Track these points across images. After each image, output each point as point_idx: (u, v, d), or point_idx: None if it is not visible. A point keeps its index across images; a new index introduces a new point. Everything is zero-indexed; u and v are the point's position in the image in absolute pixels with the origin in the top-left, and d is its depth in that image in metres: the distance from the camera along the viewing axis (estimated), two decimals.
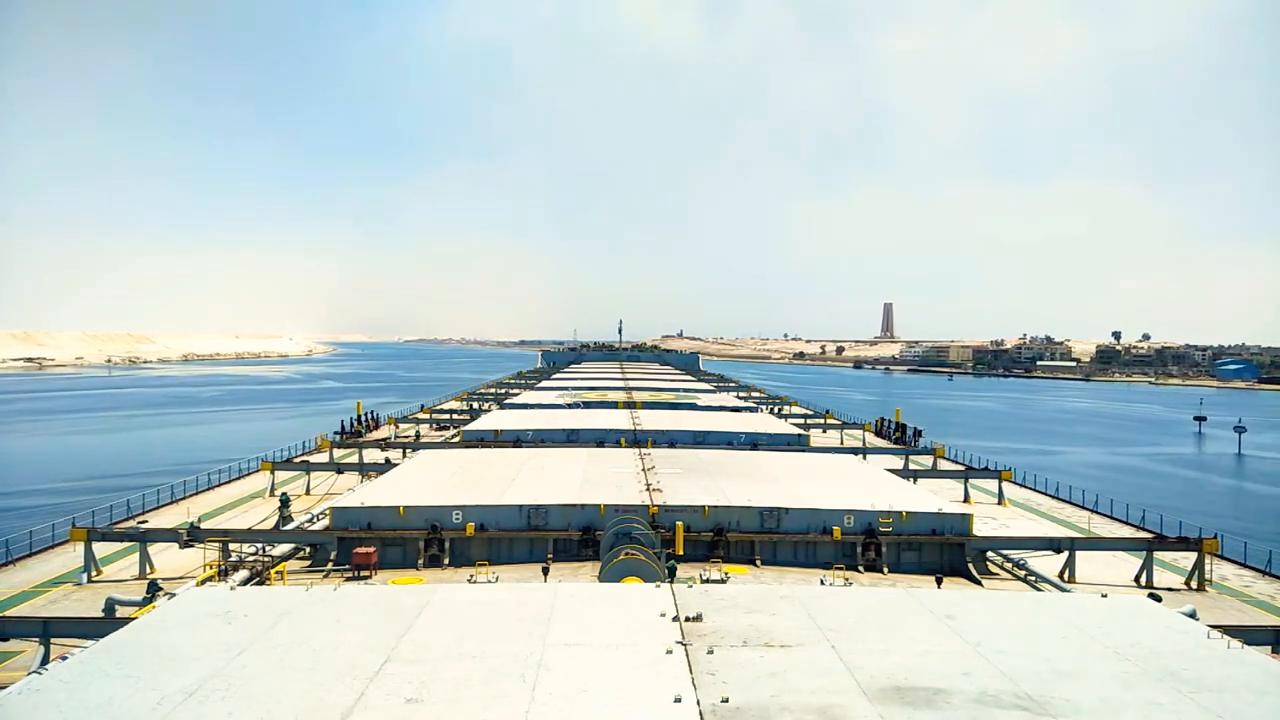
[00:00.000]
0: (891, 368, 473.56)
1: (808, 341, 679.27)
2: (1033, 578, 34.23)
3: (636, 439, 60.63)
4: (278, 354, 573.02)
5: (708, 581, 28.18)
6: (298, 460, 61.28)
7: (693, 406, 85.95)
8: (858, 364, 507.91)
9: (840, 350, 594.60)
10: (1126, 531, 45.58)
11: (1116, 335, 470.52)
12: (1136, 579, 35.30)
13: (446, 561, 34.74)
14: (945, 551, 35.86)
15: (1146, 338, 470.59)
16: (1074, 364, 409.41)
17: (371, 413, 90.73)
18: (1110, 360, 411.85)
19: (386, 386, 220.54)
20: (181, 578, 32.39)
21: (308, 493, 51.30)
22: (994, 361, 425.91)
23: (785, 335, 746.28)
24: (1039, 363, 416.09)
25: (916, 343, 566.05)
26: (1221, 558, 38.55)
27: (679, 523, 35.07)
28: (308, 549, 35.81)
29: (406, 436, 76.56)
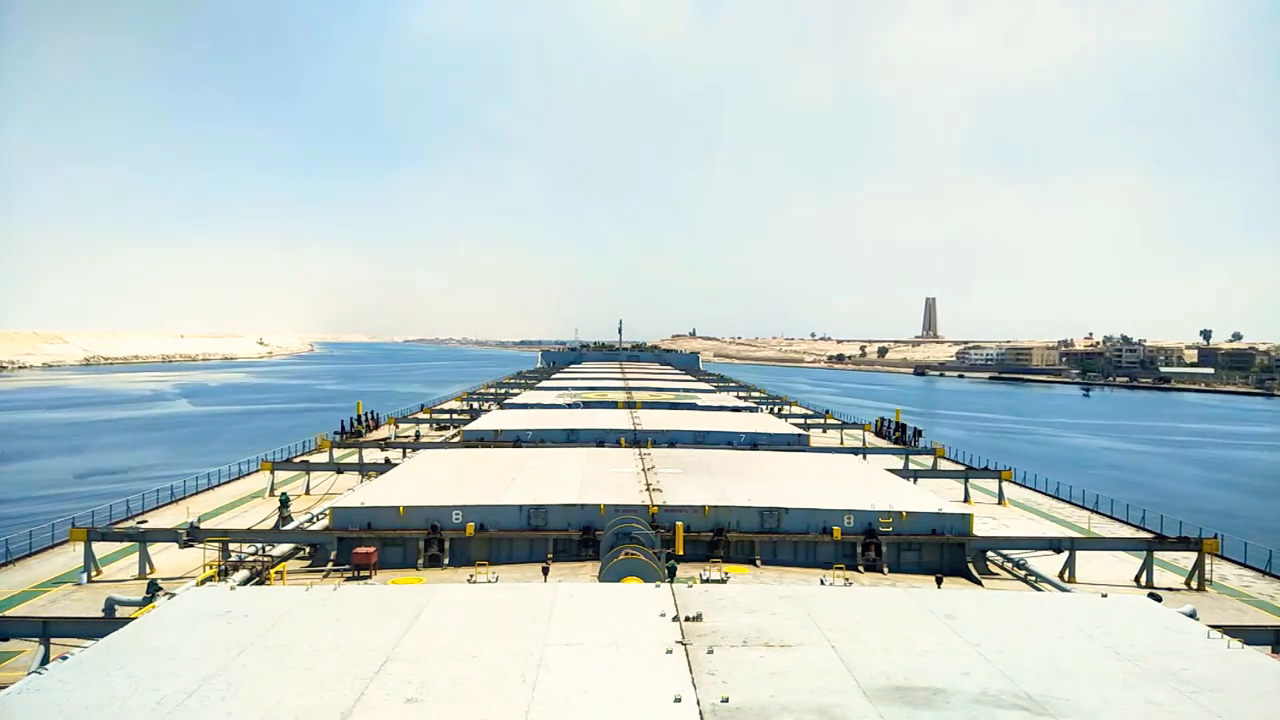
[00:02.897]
0: (966, 374, 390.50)
1: (840, 341, 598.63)
2: (1033, 578, 34.23)
3: (636, 439, 60.64)
4: (221, 356, 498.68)
5: (708, 581, 28.18)
6: (297, 460, 61.28)
7: (693, 406, 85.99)
8: (918, 369, 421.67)
9: (883, 352, 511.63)
10: (1126, 531, 45.57)
11: (1206, 334, 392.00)
12: (1136, 579, 35.30)
13: (446, 561, 34.74)
14: (945, 551, 35.86)
15: (1238, 337, 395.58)
16: (1210, 372, 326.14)
17: (371, 412, 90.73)
18: (1244, 365, 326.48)
19: (265, 414, 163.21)
20: (181, 578, 32.39)
21: (307, 493, 51.30)
22: (1107, 368, 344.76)
23: (813, 334, 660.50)
24: (1161, 369, 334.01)
25: (967, 343, 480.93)
26: (1221, 558, 38.55)
27: (679, 523, 35.08)
28: (308, 549, 35.81)
29: (406, 436, 76.61)
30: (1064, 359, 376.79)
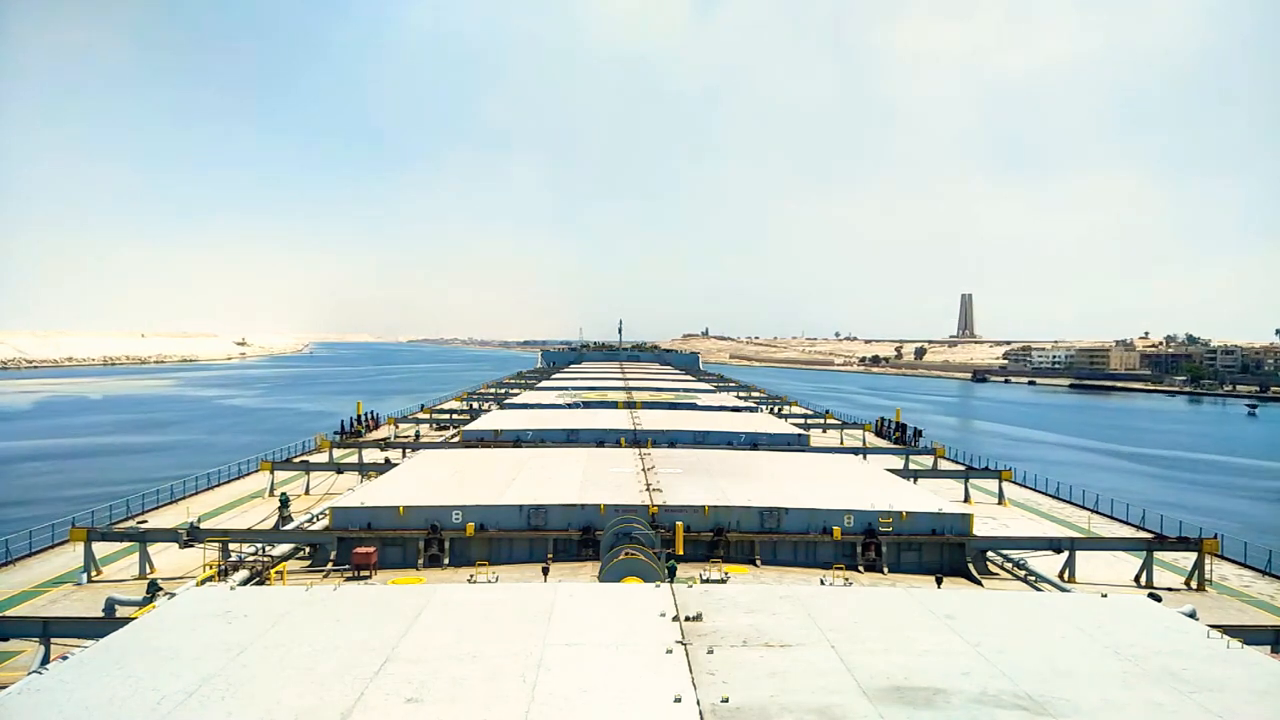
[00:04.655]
0: (1036, 380, 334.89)
1: (868, 342, 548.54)
2: (1033, 578, 34.22)
3: (636, 439, 60.64)
4: (180, 358, 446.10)
5: (708, 581, 28.18)
6: (297, 460, 61.26)
7: (693, 406, 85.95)
8: (978, 374, 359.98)
9: (920, 353, 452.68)
10: (1126, 531, 45.57)
11: None
12: (1136, 579, 35.30)
13: (446, 561, 34.74)
14: (945, 551, 35.86)
15: None
16: None
17: (371, 413, 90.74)
18: None
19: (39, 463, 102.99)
20: (181, 578, 32.39)
21: (307, 493, 51.30)
22: (1220, 374, 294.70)
23: (837, 334, 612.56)
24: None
25: (1010, 343, 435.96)
26: (1221, 558, 38.56)
27: (679, 523, 35.07)
28: (308, 549, 35.80)
29: (406, 436, 76.58)
30: (1144, 362, 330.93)
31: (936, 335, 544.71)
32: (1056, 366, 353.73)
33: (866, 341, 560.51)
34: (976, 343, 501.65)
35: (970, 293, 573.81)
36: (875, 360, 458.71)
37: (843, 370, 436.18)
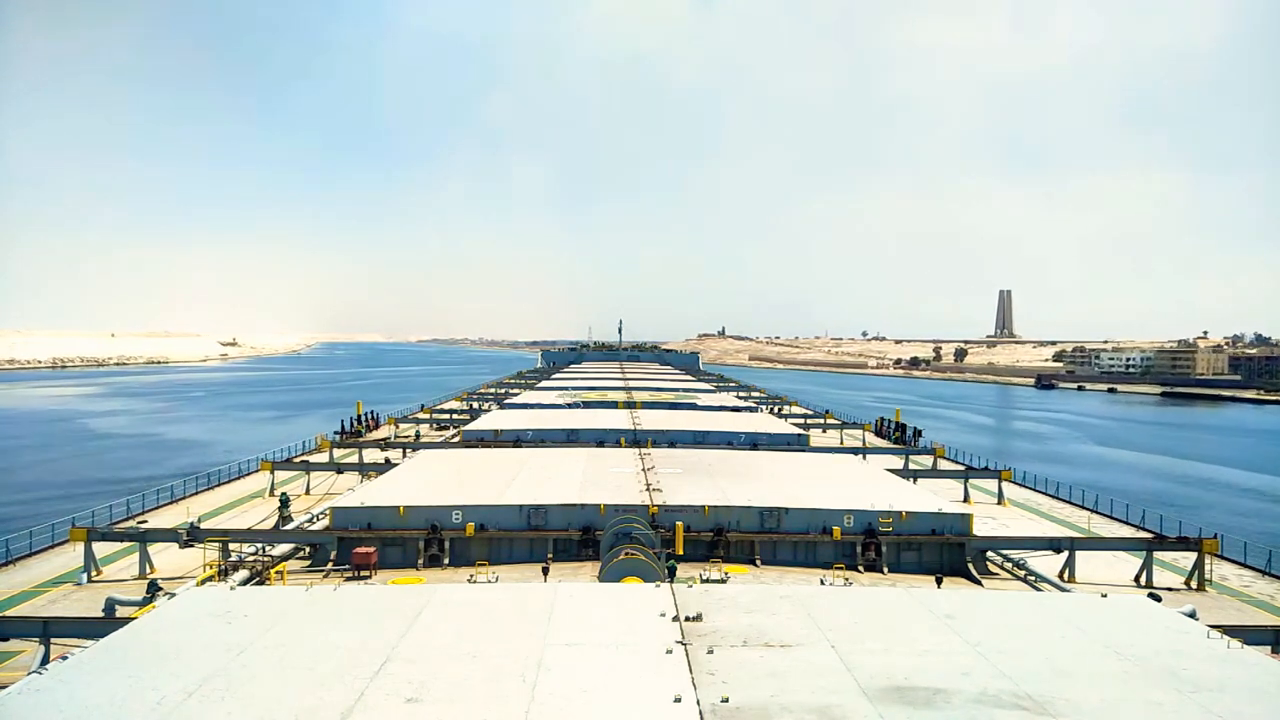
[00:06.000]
0: (1117, 387, 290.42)
1: (899, 342, 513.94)
2: (1033, 578, 34.22)
3: (636, 439, 60.63)
4: (146, 359, 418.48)
5: (708, 581, 28.16)
6: (297, 460, 61.25)
7: (693, 406, 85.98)
8: (1043, 380, 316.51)
9: (960, 354, 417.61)
10: (1126, 531, 45.56)
11: None
12: (1136, 579, 35.30)
13: (446, 561, 34.73)
14: (945, 551, 35.85)
15: None
16: None
17: (371, 412, 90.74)
18: None
19: None
20: (181, 578, 32.38)
21: (307, 493, 51.30)
22: None
23: (864, 334, 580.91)
24: None
25: (1055, 343, 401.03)
26: (1221, 558, 38.55)
27: (679, 523, 35.07)
28: (308, 549, 35.81)
29: (406, 436, 76.57)
30: (1233, 367, 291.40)
31: (965, 334, 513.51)
32: (1132, 371, 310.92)
33: (897, 342, 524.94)
34: (1018, 343, 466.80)
35: (1009, 289, 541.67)
36: (914, 362, 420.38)
37: (878, 374, 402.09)
